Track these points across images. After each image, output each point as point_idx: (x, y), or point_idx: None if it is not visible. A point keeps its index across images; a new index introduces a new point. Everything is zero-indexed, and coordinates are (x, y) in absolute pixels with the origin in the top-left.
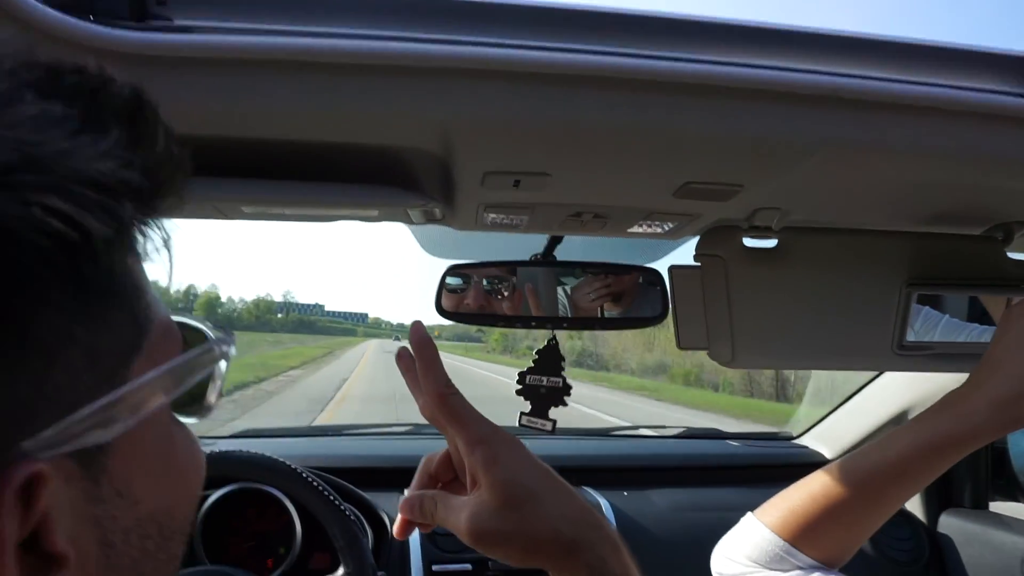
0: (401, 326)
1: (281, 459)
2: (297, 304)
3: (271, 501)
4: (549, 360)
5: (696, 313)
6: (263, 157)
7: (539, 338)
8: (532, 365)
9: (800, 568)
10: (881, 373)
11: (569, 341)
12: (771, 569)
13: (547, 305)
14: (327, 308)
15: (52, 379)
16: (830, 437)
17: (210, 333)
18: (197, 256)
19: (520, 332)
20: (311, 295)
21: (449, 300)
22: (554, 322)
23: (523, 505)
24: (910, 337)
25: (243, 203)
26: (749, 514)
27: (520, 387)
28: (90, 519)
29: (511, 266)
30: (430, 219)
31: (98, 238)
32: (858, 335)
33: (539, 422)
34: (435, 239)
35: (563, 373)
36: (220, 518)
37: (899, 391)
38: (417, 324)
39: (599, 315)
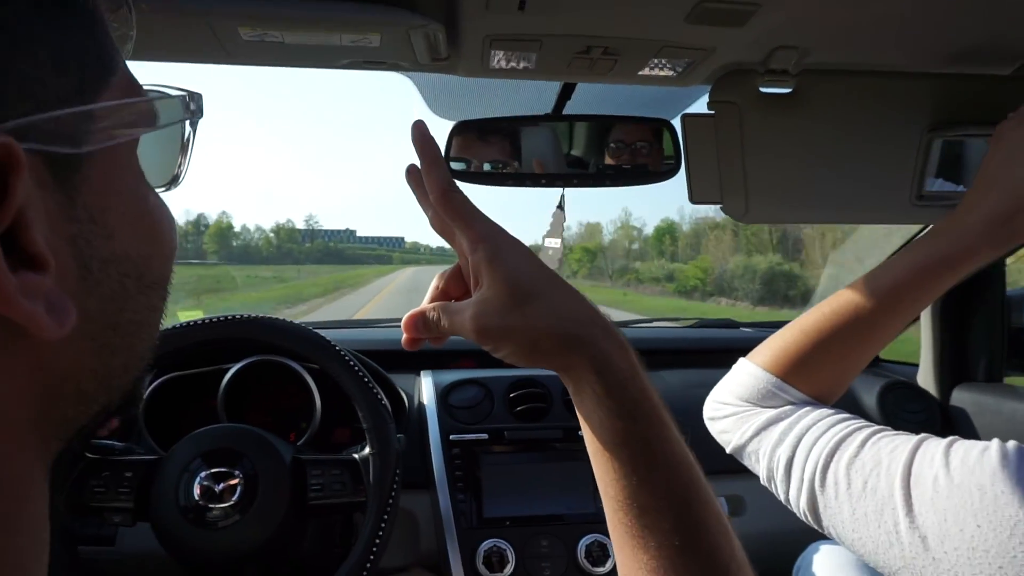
0: (441, 250)
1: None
2: (323, 231)
3: (291, 377)
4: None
5: (710, 165)
6: None
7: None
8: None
9: (791, 403)
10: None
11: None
12: (762, 406)
13: (557, 162)
14: (359, 234)
15: (19, 65)
16: None
17: (174, 91)
18: (206, 182)
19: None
20: (341, 220)
21: (458, 159)
22: (564, 179)
23: (527, 299)
24: (929, 187)
25: (240, 21)
26: (741, 359)
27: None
28: (66, 236)
29: (520, 122)
30: (435, 56)
31: None
32: (876, 185)
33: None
34: (445, 100)
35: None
36: (240, 391)
37: None
38: (419, 123)
39: (610, 170)
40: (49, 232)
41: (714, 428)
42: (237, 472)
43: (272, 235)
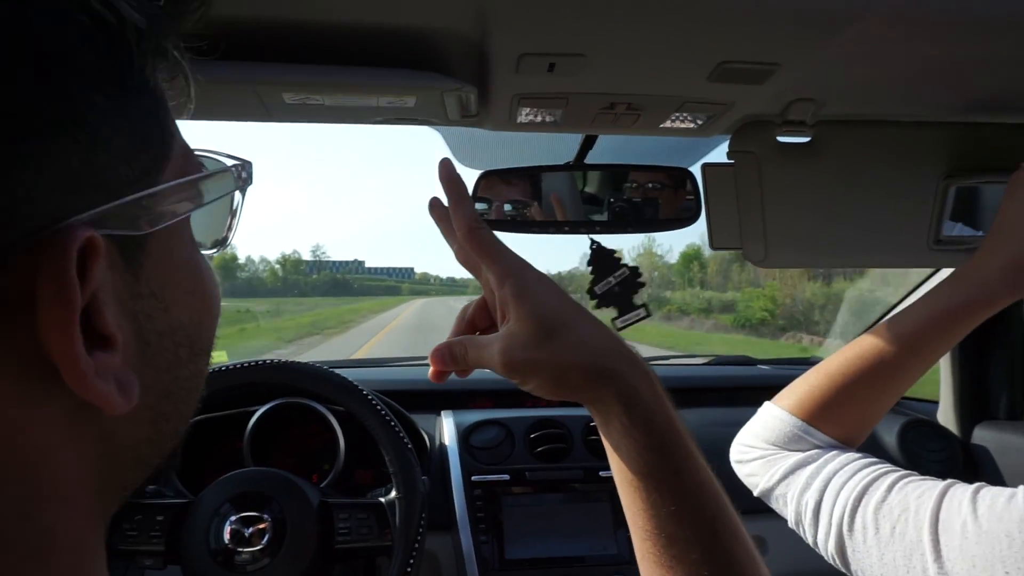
0: (451, 280)
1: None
2: (330, 262)
3: (313, 418)
4: (603, 262)
5: (729, 212)
6: (303, 40)
7: None
8: (592, 277)
9: (818, 447)
10: (911, 293)
11: None
12: (789, 450)
13: (579, 210)
14: (367, 264)
15: (98, 159)
16: None
17: (227, 160)
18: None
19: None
20: (349, 251)
21: (483, 207)
22: (587, 226)
23: (553, 333)
24: (947, 231)
25: (284, 87)
26: (766, 403)
27: (596, 300)
28: (129, 313)
29: (544, 171)
30: (466, 114)
31: (131, 24)
32: (894, 230)
33: (632, 316)
34: (470, 150)
35: (623, 263)
36: (264, 433)
37: None
38: (445, 161)
39: (632, 218)
40: (116, 310)
41: (742, 471)
42: (266, 516)
43: (278, 266)
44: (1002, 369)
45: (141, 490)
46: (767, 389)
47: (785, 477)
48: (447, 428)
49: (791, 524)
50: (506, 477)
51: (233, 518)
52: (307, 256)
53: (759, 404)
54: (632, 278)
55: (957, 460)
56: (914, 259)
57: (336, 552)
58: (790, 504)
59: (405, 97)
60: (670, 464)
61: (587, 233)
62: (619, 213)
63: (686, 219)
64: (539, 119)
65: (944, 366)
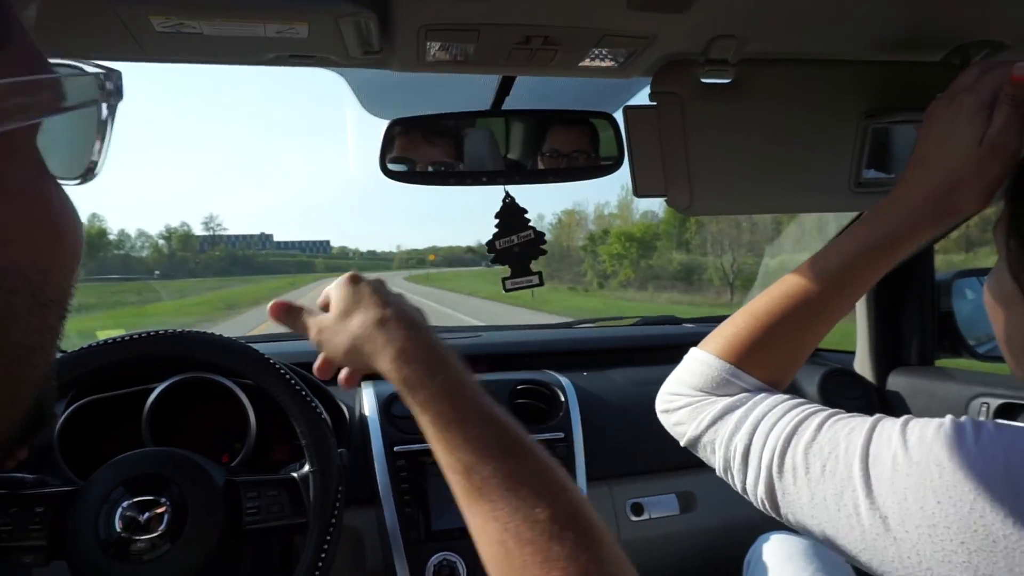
0: (372, 254)
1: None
2: (228, 236)
3: (224, 395)
4: (511, 218)
5: (653, 157)
6: None
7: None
8: (496, 230)
9: (747, 390)
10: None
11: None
12: (717, 395)
13: (498, 159)
14: (276, 238)
15: None
16: None
17: (90, 68)
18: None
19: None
20: (255, 224)
21: (394, 159)
22: (507, 176)
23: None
24: (866, 174)
25: (151, 9)
26: (692, 349)
27: (494, 255)
28: None
29: (457, 118)
30: (368, 50)
31: None
32: (816, 173)
33: (524, 280)
34: (378, 98)
35: (530, 225)
36: (168, 413)
37: None
38: (273, 305)
39: (553, 166)
40: None
41: (668, 421)
42: (164, 499)
43: (163, 242)
44: (914, 317)
45: (18, 481)
46: (693, 346)
47: (713, 423)
48: (367, 398)
49: (719, 472)
50: (429, 445)
51: (126, 504)
52: (200, 230)
53: None
54: (535, 242)
55: (873, 406)
56: (836, 203)
57: (245, 533)
58: (718, 451)
59: (296, 24)
60: (446, 408)
61: (506, 183)
62: (539, 162)
63: (609, 166)
64: (449, 56)
65: (860, 316)
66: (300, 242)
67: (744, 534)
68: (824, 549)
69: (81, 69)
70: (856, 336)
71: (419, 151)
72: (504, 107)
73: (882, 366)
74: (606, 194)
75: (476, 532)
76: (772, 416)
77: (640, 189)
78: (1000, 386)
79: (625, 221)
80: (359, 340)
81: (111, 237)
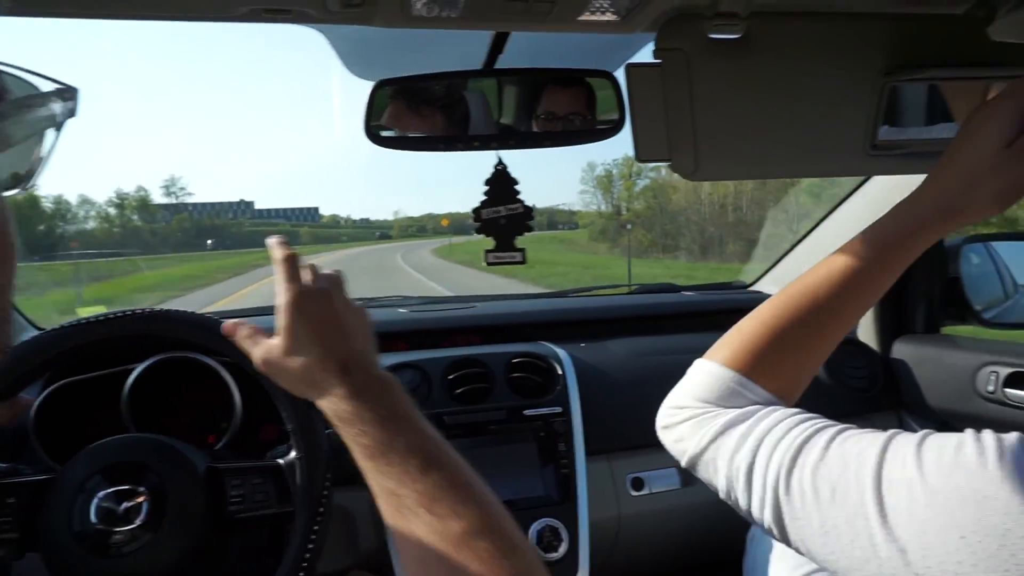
0: (366, 222)
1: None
2: (199, 204)
3: (209, 374)
4: (501, 188)
5: (656, 119)
6: None
7: None
8: (485, 198)
9: (756, 403)
10: (834, 211)
11: None
12: (725, 407)
13: (491, 123)
14: (258, 206)
15: None
16: (785, 280)
17: (41, 85)
18: None
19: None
20: (236, 190)
21: (380, 123)
22: (500, 140)
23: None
24: (883, 135)
25: None
26: (698, 360)
27: (479, 224)
28: None
29: (447, 78)
30: (347, 2)
31: None
32: (830, 135)
33: (507, 255)
34: (363, 57)
35: (520, 197)
36: (152, 395)
37: (855, 225)
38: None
39: (549, 129)
40: None
41: (668, 438)
42: (142, 488)
43: (114, 211)
44: (919, 283)
45: None
46: (692, 316)
47: (715, 438)
48: None
49: (722, 494)
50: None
51: (102, 494)
52: (161, 197)
53: (686, 331)
54: (523, 217)
55: (878, 375)
56: (851, 166)
57: (229, 522)
58: (720, 469)
59: None
60: (379, 433)
61: (499, 148)
62: (533, 125)
63: (609, 129)
64: (437, 11)
65: None
66: (285, 210)
67: None
68: None
69: (36, 87)
70: None
71: (407, 120)
72: (497, 67)
73: (887, 334)
74: None
75: (400, 550)
76: (777, 432)
77: (642, 154)
78: (1009, 354)
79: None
80: (301, 381)
81: (46, 206)
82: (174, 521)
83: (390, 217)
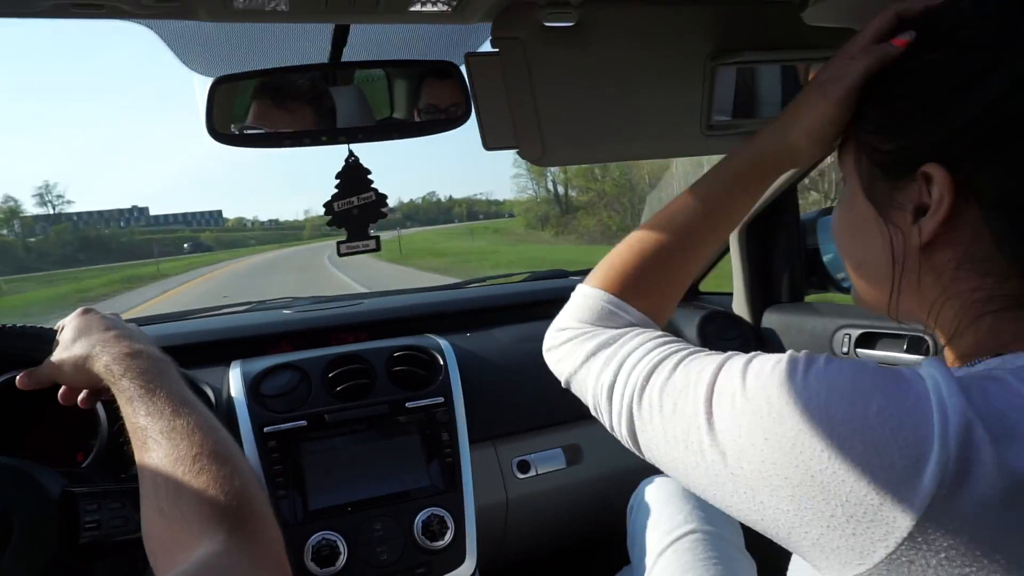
0: (275, 223)
1: None
2: (81, 213)
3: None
4: (353, 179)
5: (500, 108)
6: None
7: None
8: (336, 191)
9: (632, 322)
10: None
11: None
12: (604, 327)
13: (336, 117)
14: (153, 212)
15: None
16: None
17: None
18: None
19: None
20: (129, 196)
21: (223, 120)
22: (348, 134)
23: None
24: (718, 116)
25: None
26: (578, 284)
27: (331, 217)
28: None
29: (289, 72)
30: None
31: None
32: (666, 117)
33: (360, 244)
34: (200, 53)
35: (373, 186)
36: (7, 414)
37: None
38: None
39: (397, 121)
40: None
41: (551, 358)
42: None
43: None
44: (783, 256)
45: None
46: None
47: (587, 359)
48: (233, 379)
49: (592, 410)
50: (303, 423)
51: None
52: (33, 207)
53: None
54: (376, 205)
55: (751, 345)
56: (688, 147)
57: (83, 548)
58: (589, 388)
59: None
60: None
61: (348, 142)
62: (382, 118)
63: (456, 118)
64: (262, 5)
65: (734, 258)
66: (185, 214)
67: (631, 481)
68: None
69: None
70: (732, 278)
71: (275, 117)
72: (344, 59)
73: (757, 305)
74: None
75: (141, 481)
76: (637, 354)
77: (489, 142)
78: (861, 317)
79: None
80: (81, 359)
81: None
82: (20, 547)
83: (301, 216)
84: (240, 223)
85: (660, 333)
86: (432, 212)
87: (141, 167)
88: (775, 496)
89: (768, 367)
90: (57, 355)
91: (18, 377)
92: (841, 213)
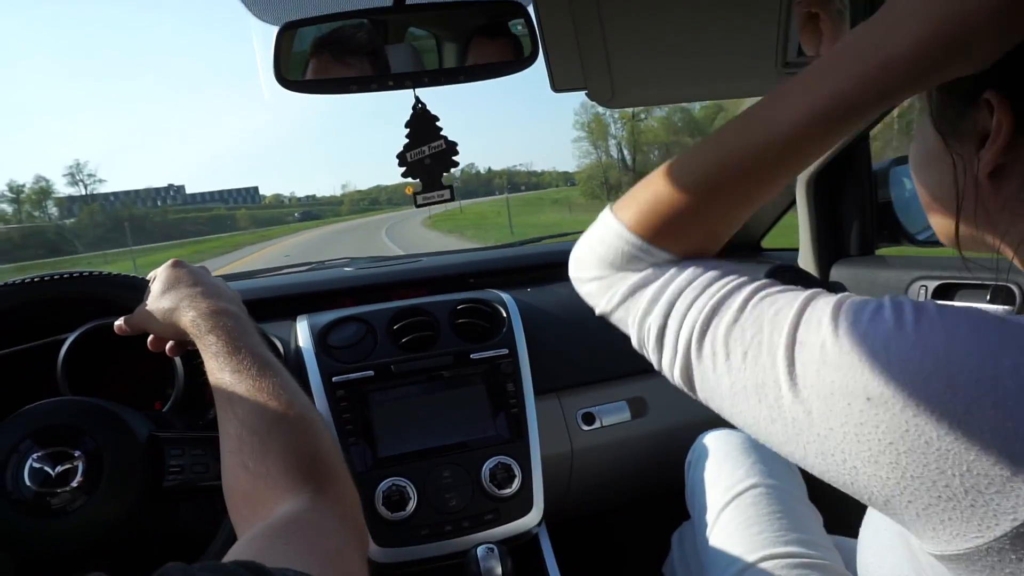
0: (312, 199)
1: None
2: (115, 194)
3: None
4: (422, 127)
5: (569, 47)
6: None
7: None
8: (407, 140)
9: (654, 265)
10: None
11: None
12: (626, 270)
13: (402, 60)
14: (190, 190)
15: None
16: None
17: None
18: None
19: None
20: (165, 175)
21: (290, 66)
22: (414, 78)
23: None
24: (795, 53)
25: None
26: (606, 210)
27: (405, 168)
28: None
29: (355, 16)
30: None
31: None
32: (740, 54)
33: (435, 195)
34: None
35: (443, 133)
36: (92, 362)
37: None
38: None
39: (463, 64)
40: None
41: (580, 290)
42: (77, 452)
43: (9, 207)
44: (853, 208)
45: None
46: None
47: (624, 300)
48: (301, 331)
49: (635, 346)
50: (370, 373)
51: (36, 456)
52: (65, 187)
53: None
54: (447, 153)
55: None
56: (764, 86)
57: (166, 491)
58: (631, 328)
59: None
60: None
61: (414, 86)
62: (447, 60)
63: (523, 60)
64: None
65: (801, 212)
66: (221, 192)
67: (695, 433)
68: None
69: None
70: (799, 231)
71: (334, 72)
72: (409, 2)
73: (824, 259)
74: None
75: (225, 435)
76: (691, 292)
77: (558, 83)
78: (938, 268)
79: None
80: (168, 312)
81: None
82: (110, 485)
83: (338, 192)
84: (277, 199)
85: (716, 262)
86: (472, 184)
87: (173, 146)
88: (874, 463)
89: (867, 314)
90: (149, 305)
91: (116, 322)
92: (914, 145)
